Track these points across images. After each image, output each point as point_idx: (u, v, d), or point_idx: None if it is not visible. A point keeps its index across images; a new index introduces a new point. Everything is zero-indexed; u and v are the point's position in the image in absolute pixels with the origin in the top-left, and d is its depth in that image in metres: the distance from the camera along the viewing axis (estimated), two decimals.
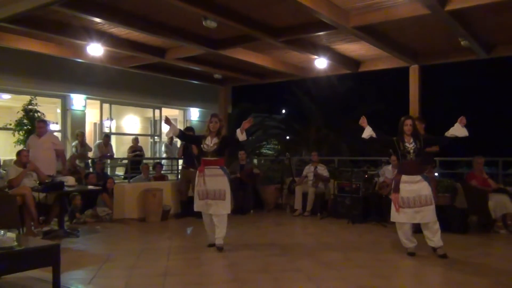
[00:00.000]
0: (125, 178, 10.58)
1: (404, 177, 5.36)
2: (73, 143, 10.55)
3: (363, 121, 5.65)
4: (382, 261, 5.27)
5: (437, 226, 5.32)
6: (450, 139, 5.34)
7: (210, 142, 5.70)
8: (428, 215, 5.27)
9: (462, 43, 7.07)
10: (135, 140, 11.90)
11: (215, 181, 5.65)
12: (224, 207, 5.67)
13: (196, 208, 5.85)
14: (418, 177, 5.32)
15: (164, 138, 13.64)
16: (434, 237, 5.33)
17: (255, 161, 14.22)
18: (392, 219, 5.47)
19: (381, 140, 5.86)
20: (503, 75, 25.92)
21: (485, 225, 7.05)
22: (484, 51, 7.64)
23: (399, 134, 5.46)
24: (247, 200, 9.21)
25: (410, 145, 5.35)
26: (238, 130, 5.65)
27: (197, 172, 5.80)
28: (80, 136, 10.37)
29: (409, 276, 4.88)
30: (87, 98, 11.97)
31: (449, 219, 6.73)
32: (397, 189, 5.37)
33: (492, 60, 8.36)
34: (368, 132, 5.61)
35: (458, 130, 5.25)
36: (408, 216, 5.32)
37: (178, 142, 11.10)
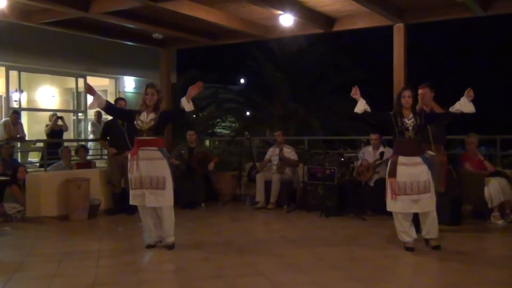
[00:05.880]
0: (40, 165, 10.33)
1: (401, 159, 5.62)
2: None
3: (355, 92, 5.85)
4: (359, 260, 5.46)
5: (434, 214, 5.67)
6: (455, 116, 5.60)
7: (146, 118, 5.76)
8: (427, 205, 5.60)
9: None
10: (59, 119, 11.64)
11: (151, 166, 5.71)
12: (165, 198, 5.76)
13: (132, 200, 5.90)
14: (417, 159, 5.61)
15: (91, 115, 13.37)
16: (431, 227, 5.67)
17: (207, 142, 14.22)
18: (388, 208, 5.76)
19: (377, 115, 6.03)
20: (505, 36, 26.85)
21: (481, 215, 7.39)
22: (480, 6, 7.87)
23: (397, 108, 5.71)
24: (198, 191, 9.22)
25: (409, 121, 5.62)
26: (183, 99, 5.74)
27: (129, 156, 5.86)
28: None
29: (389, 278, 5.04)
30: None
31: (440, 209, 6.98)
32: (393, 173, 5.62)
33: (490, 18, 8.61)
34: (362, 106, 5.82)
35: (465, 105, 5.50)
36: (405, 205, 5.60)
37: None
